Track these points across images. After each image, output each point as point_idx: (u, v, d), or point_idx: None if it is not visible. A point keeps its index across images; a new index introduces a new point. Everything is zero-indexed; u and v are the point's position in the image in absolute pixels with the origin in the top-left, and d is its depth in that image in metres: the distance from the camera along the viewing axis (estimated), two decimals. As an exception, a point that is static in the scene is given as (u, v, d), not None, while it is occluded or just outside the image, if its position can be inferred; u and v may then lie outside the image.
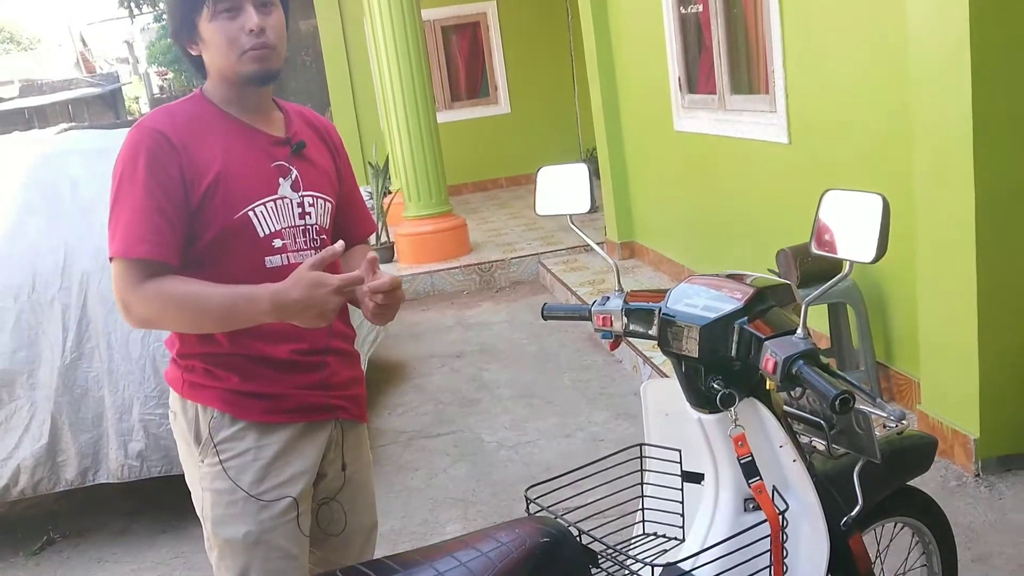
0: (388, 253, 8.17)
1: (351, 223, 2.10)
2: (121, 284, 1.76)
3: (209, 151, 1.80)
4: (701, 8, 5.38)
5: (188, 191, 1.77)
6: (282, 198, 1.87)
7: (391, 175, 9.07)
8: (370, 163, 9.25)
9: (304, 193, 1.91)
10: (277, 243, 1.85)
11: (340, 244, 1.73)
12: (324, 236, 1.95)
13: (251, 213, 1.82)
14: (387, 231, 8.34)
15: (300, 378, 1.88)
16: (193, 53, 1.87)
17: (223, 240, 1.81)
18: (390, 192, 8.98)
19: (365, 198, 10.41)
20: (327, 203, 1.97)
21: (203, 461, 1.87)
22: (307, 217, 1.91)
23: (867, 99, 3.83)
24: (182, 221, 1.77)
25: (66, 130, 5.61)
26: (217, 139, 1.83)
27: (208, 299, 1.75)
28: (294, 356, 1.87)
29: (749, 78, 5.05)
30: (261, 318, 1.73)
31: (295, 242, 1.88)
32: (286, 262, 1.85)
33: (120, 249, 1.75)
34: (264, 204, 1.84)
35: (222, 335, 1.82)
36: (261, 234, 1.83)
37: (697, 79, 5.66)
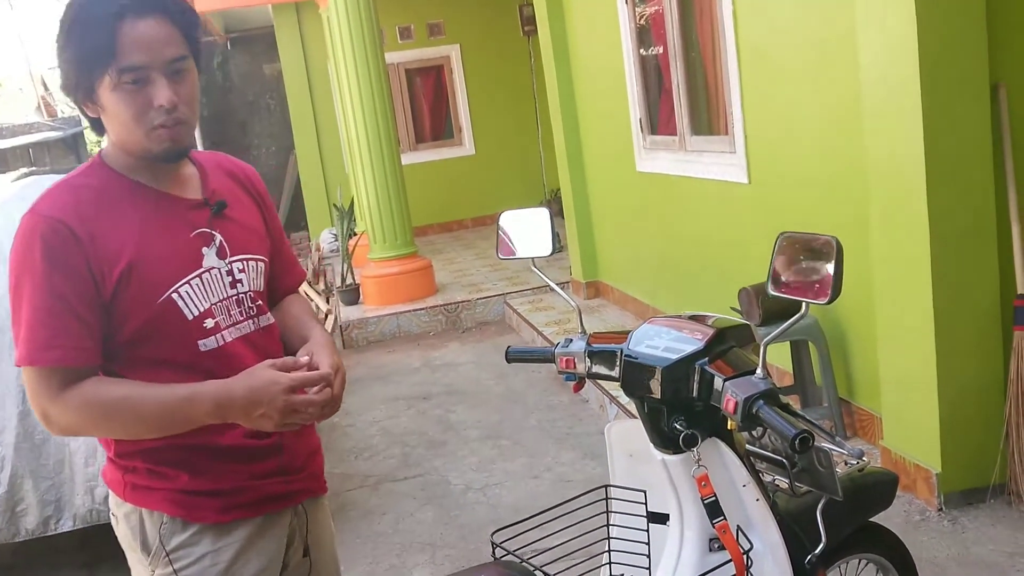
0: (354, 295, 8.16)
1: (280, 275, 1.91)
2: (36, 394, 1.56)
3: (118, 234, 1.58)
4: (661, 50, 5.48)
5: (98, 284, 1.55)
6: (208, 270, 1.66)
7: (356, 217, 9.07)
8: (335, 205, 9.25)
9: (233, 259, 1.71)
10: (208, 323, 1.64)
11: (305, 358, 1.62)
12: (260, 301, 1.76)
13: (175, 295, 1.61)
14: (352, 273, 8.32)
15: (256, 467, 1.69)
16: (90, 114, 1.63)
17: (148, 329, 1.60)
18: (355, 234, 8.98)
19: (329, 240, 10.34)
20: (259, 264, 1.77)
21: (154, 571, 1.67)
22: (239, 285, 1.71)
23: (824, 140, 3.91)
24: (96, 316, 1.56)
25: (25, 175, 5.57)
26: (127, 216, 1.61)
27: (142, 404, 1.55)
28: (247, 442, 1.66)
29: (709, 119, 5.14)
30: (204, 420, 1.56)
31: (229, 316, 1.68)
32: (221, 342, 1.66)
33: (26, 356, 1.54)
34: (189, 282, 1.63)
35: None
36: (190, 316, 1.62)
37: (658, 120, 5.75)
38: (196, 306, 1.63)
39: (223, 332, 1.66)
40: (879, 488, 2.02)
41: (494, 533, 1.72)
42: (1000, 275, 3.28)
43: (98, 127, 1.65)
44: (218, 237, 1.69)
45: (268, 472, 1.70)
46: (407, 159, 9.63)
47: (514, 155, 11.89)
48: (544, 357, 1.88)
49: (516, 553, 1.67)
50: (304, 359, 1.62)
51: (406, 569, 3.62)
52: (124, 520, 1.69)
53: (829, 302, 1.44)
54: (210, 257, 1.67)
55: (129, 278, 1.57)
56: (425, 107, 12.17)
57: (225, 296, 1.68)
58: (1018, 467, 3.24)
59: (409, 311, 7.67)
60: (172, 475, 1.64)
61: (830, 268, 1.45)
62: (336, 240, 10.30)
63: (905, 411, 3.49)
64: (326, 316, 8.33)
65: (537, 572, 1.58)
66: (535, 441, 4.81)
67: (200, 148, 14.36)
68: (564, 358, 1.81)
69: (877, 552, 2.11)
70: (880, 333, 3.55)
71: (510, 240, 1.95)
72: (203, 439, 1.62)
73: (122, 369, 1.61)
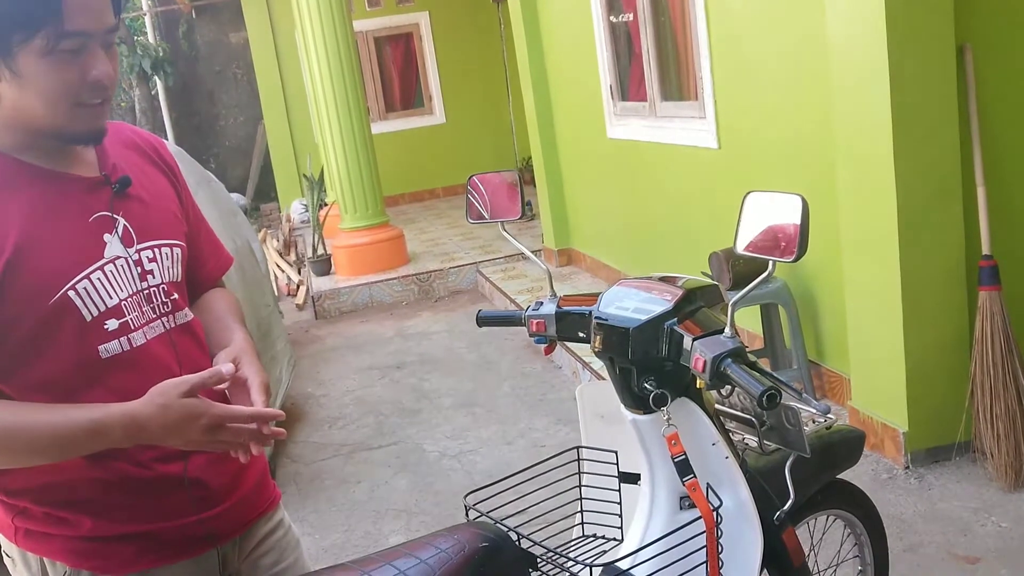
0: (325, 265, 8.12)
1: (201, 262, 1.63)
2: None
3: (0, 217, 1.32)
4: (631, 17, 5.46)
5: None
6: (112, 261, 1.40)
7: (326, 187, 9.01)
8: (305, 175, 9.18)
9: (141, 246, 1.45)
10: (111, 324, 1.38)
11: (228, 368, 1.39)
12: (176, 295, 1.50)
13: (71, 292, 1.35)
14: (323, 243, 8.28)
15: (166, 502, 1.45)
16: None
17: (38, 334, 1.34)
18: (326, 204, 8.92)
19: (300, 211, 10.20)
20: (174, 250, 1.51)
21: None
22: (149, 277, 1.45)
23: (792, 104, 3.92)
24: None
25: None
26: (7, 201, 1.34)
27: (36, 432, 1.29)
28: (153, 472, 1.43)
29: (679, 85, 5.13)
30: (109, 446, 1.34)
31: (141, 314, 1.42)
32: (127, 346, 1.40)
33: None
34: (88, 276, 1.37)
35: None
36: (88, 317, 1.36)
37: (628, 87, 5.74)
38: (97, 304, 1.37)
39: (132, 334, 1.41)
40: (846, 445, 2.04)
41: (467, 495, 1.73)
42: (966, 236, 3.31)
43: None
44: (121, 221, 1.43)
45: (179, 510, 1.45)
46: (377, 128, 9.56)
47: (485, 123, 11.84)
48: (514, 320, 1.88)
49: (489, 515, 1.68)
50: (226, 368, 1.38)
51: (381, 536, 3.64)
52: (23, 563, 1.45)
53: (796, 260, 1.45)
54: (113, 245, 1.41)
55: (16, 274, 1.30)
56: (395, 76, 12.07)
57: (134, 291, 1.42)
58: (983, 425, 3.30)
59: (381, 281, 7.65)
60: (73, 519, 1.40)
61: (796, 226, 1.45)
62: (306, 210, 10.23)
63: (873, 372, 3.54)
64: (298, 287, 8.30)
65: (511, 532, 1.59)
66: (508, 408, 4.83)
67: (167, 121, 14.06)
68: (534, 321, 1.81)
69: (845, 508, 2.14)
70: (848, 295, 3.59)
71: (479, 204, 1.94)
72: (112, 470, 1.40)
73: (4, 386, 1.34)
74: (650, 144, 5.39)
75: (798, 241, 1.45)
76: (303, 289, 8.17)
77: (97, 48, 1.33)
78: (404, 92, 12.13)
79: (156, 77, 12.73)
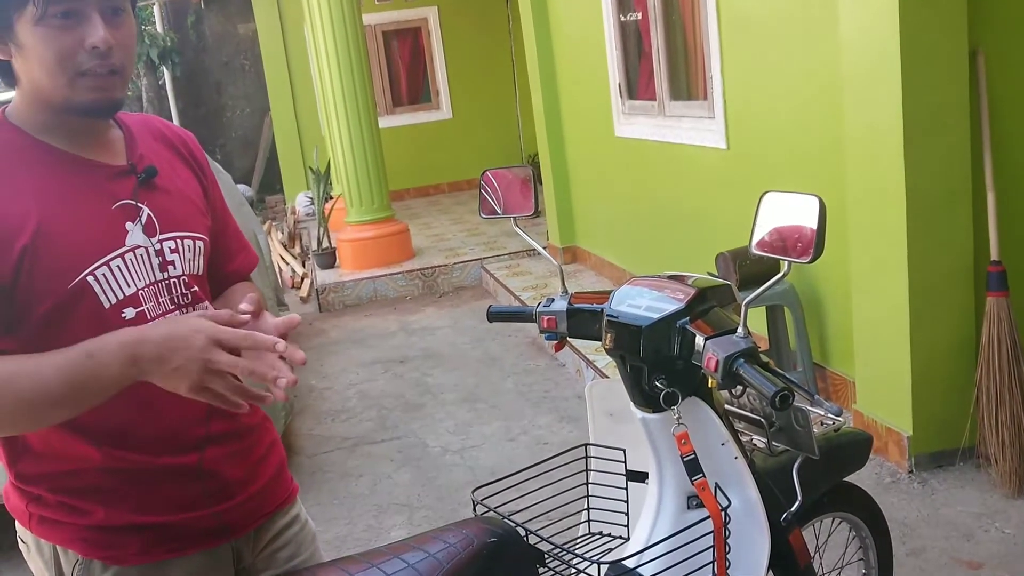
0: (330, 259, 8.12)
1: (225, 258, 1.64)
2: None
3: (20, 201, 1.32)
4: (640, 16, 5.45)
5: None
6: (133, 249, 1.40)
7: (332, 180, 9.00)
8: (311, 168, 9.18)
9: (163, 236, 1.45)
10: (128, 313, 1.38)
11: (248, 305, 1.35)
12: (196, 288, 1.49)
13: (90, 278, 1.35)
14: (328, 237, 8.28)
15: (177, 493, 1.44)
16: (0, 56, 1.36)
17: (55, 318, 1.34)
18: (331, 197, 8.92)
19: (305, 204, 10.18)
20: (197, 243, 1.51)
21: None
22: (170, 268, 1.45)
23: (802, 105, 3.91)
24: None
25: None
26: (30, 182, 1.34)
27: (38, 374, 1.26)
28: (163, 461, 1.42)
29: (688, 84, 5.13)
30: (116, 377, 1.27)
31: (158, 304, 1.42)
32: None
33: None
34: (108, 263, 1.37)
35: (75, 445, 1.38)
36: (107, 304, 1.36)
37: (637, 85, 5.73)
38: (116, 292, 1.37)
39: (148, 324, 1.38)
40: (853, 448, 2.05)
41: (475, 491, 1.73)
42: (974, 241, 3.31)
43: (7, 75, 1.38)
44: (145, 210, 1.43)
45: (192, 501, 1.45)
46: (384, 122, 9.55)
47: (492, 119, 11.82)
48: (525, 316, 1.88)
49: (497, 510, 1.67)
50: (245, 316, 1.34)
51: (383, 530, 3.64)
52: (36, 552, 1.46)
53: (812, 261, 1.45)
54: (135, 234, 1.41)
55: (36, 252, 1.31)
56: (402, 70, 12.06)
57: (153, 280, 1.42)
58: (987, 430, 3.30)
59: (386, 275, 7.65)
60: (84, 508, 1.40)
61: (813, 227, 1.45)
62: (312, 203, 10.23)
63: (878, 375, 3.54)
64: (302, 279, 8.30)
65: (518, 528, 1.59)
66: (512, 404, 4.83)
67: (174, 111, 14.04)
68: (546, 317, 1.81)
69: (850, 511, 2.14)
70: (855, 298, 3.59)
71: (492, 199, 1.93)
72: (125, 459, 1.40)
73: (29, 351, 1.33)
74: (658, 143, 5.38)
75: (814, 242, 1.44)
76: (307, 282, 8.17)
77: (94, 15, 1.33)
78: (411, 87, 12.11)
79: (163, 67, 12.72)
